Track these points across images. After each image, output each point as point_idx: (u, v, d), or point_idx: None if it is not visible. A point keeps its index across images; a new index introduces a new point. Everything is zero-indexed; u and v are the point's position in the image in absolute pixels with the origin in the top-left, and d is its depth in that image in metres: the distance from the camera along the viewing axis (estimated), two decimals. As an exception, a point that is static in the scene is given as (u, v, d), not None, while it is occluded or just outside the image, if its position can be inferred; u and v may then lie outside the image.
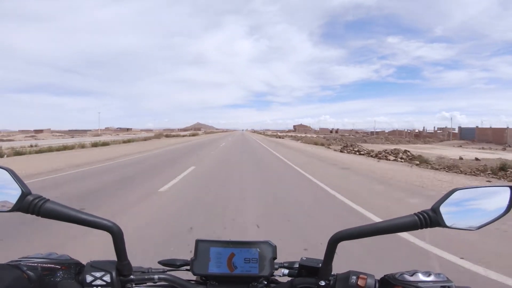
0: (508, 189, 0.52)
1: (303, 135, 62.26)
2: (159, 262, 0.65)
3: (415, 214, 0.51)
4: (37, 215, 0.50)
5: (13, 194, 0.49)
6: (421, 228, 0.50)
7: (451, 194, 0.50)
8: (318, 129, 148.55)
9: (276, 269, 0.62)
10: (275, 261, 0.61)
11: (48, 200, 0.51)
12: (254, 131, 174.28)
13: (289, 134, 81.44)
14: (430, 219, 0.50)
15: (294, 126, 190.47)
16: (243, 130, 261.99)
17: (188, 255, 0.63)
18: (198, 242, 0.62)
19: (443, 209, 0.50)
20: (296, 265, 0.63)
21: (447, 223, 0.50)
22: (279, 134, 77.32)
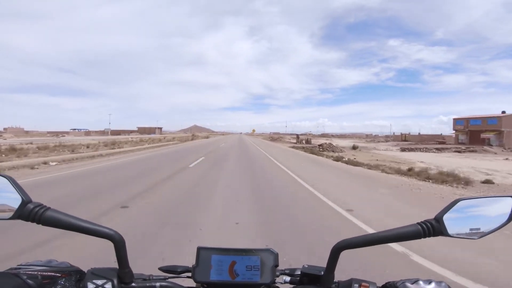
0: (511, 199, 0.53)
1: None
2: (160, 269, 0.65)
3: (418, 223, 0.52)
4: (38, 223, 0.50)
5: (13, 202, 0.49)
6: (424, 237, 0.51)
7: (454, 204, 0.52)
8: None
9: (278, 276, 0.62)
10: (277, 268, 0.61)
11: (49, 208, 0.51)
12: (279, 136, 77.50)
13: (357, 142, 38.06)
14: (433, 228, 0.51)
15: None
16: (241, 133, 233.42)
17: None
18: (199, 249, 0.61)
19: (446, 218, 0.51)
20: (298, 272, 0.63)
21: (450, 232, 0.51)
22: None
